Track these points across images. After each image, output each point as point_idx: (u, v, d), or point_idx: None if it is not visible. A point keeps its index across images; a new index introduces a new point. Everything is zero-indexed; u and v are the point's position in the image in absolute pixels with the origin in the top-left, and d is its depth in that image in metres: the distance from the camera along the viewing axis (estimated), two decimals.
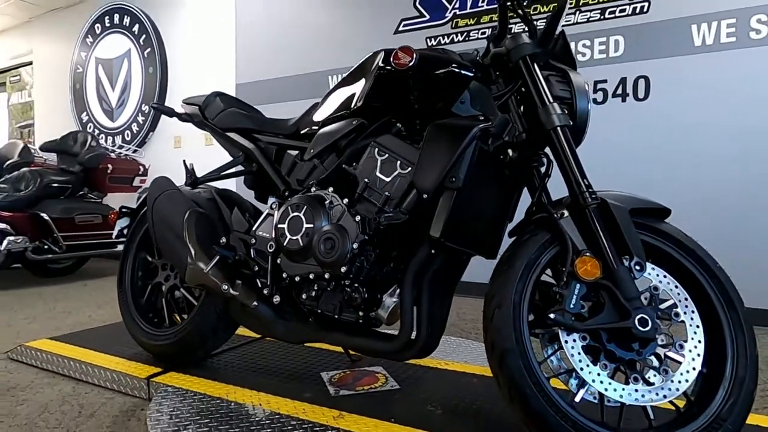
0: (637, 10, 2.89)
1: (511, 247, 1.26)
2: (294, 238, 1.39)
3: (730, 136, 2.66)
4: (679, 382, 1.11)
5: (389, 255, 1.38)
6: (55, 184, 3.97)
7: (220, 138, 1.81)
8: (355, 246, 1.31)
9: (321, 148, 1.50)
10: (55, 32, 5.75)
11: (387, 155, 1.34)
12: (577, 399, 1.13)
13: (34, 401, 1.70)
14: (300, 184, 1.55)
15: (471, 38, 3.38)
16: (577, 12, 3.06)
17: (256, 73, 4.32)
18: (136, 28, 4.96)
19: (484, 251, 1.32)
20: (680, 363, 1.12)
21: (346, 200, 1.37)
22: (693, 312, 1.16)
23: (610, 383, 1.11)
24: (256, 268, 1.54)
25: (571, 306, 1.12)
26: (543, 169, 1.35)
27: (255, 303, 1.50)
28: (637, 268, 1.14)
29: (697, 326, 1.15)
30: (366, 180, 1.35)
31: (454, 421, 1.39)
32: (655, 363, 1.13)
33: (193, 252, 1.57)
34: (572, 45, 3.04)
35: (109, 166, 4.22)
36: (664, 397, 1.10)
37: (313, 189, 1.47)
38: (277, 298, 1.50)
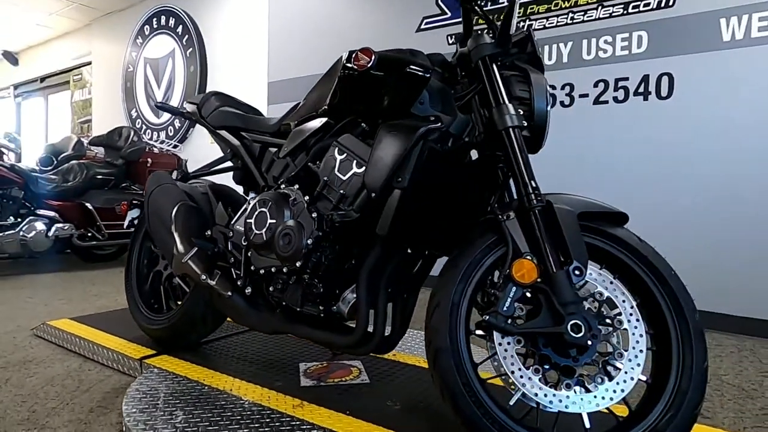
0: (662, 4, 2.75)
1: (458, 247, 1.26)
2: (259, 232, 1.46)
3: (759, 136, 2.50)
4: (614, 391, 1.08)
5: (350, 252, 1.42)
6: (100, 176, 4.26)
7: (212, 135, 1.90)
8: (309, 242, 1.35)
9: (292, 146, 1.55)
10: (110, 34, 6.15)
11: (345, 154, 1.38)
12: (511, 402, 1.12)
13: (43, 374, 1.87)
14: (275, 180, 1.62)
15: None
16: (600, 7, 2.95)
17: (286, 71, 4.45)
18: (180, 29, 5.23)
19: (437, 250, 1.33)
20: (620, 372, 1.10)
21: (307, 197, 1.42)
22: (638, 320, 1.13)
23: (540, 388, 1.09)
24: (232, 260, 1.61)
25: (504, 309, 1.11)
26: (506, 170, 1.34)
27: (229, 293, 1.57)
28: (576, 273, 1.12)
29: (641, 335, 1.12)
30: (325, 178, 1.39)
31: (408, 418, 1.41)
32: (594, 370, 1.11)
33: (177, 242, 1.67)
34: (593, 42, 2.96)
35: (149, 159, 4.49)
36: (597, 405, 1.08)
37: (282, 186, 1.53)
38: (249, 290, 1.57)
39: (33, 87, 7.97)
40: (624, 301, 1.14)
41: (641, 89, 2.82)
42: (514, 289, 1.13)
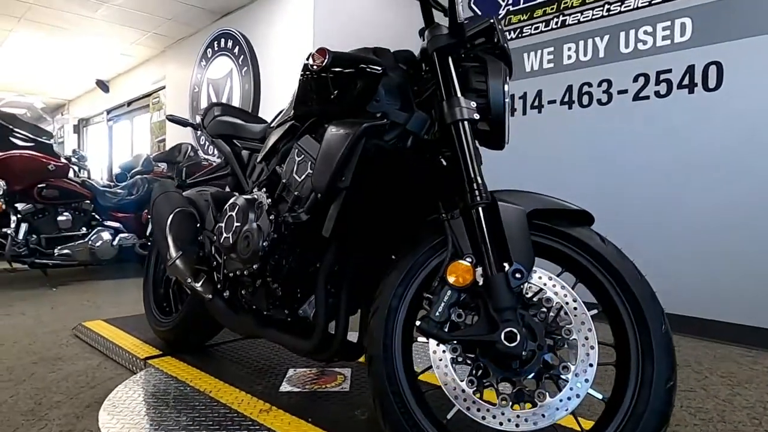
0: None
1: (404, 249, 1.20)
2: (226, 236, 1.48)
3: None
4: (557, 409, 0.96)
5: (310, 255, 1.39)
6: None
7: (212, 144, 1.97)
8: (265, 244, 1.35)
9: (265, 151, 1.56)
10: (180, 59, 6.64)
11: (303, 156, 1.36)
12: (449, 416, 1.04)
13: (65, 371, 2.01)
14: (254, 185, 1.64)
15: (524, 34, 3.19)
16: None
17: None
18: (236, 50, 5.53)
19: (395, 253, 1.27)
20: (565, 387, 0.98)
21: (270, 201, 1.42)
22: (590, 330, 1.00)
23: (474, 402, 1.00)
24: (214, 264, 1.65)
25: (437, 314, 1.03)
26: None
27: (209, 296, 1.61)
28: (517, 275, 1.01)
29: (592, 347, 0.99)
30: (284, 181, 1.38)
31: (368, 428, 1.35)
32: (547, 384, 1.00)
33: (169, 246, 1.73)
34: (632, 33, 2.73)
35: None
36: (534, 424, 0.96)
37: (254, 190, 1.54)
38: (227, 293, 1.59)
39: (121, 111, 8.79)
40: (575, 309, 1.02)
41: (686, 81, 2.56)
42: (449, 292, 1.04)
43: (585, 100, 2.92)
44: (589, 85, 2.89)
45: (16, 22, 5.99)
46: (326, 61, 1.30)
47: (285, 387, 1.64)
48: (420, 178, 1.27)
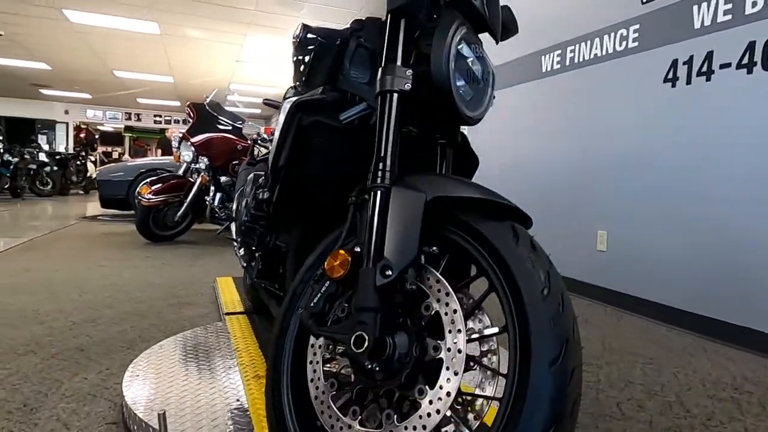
0: None
1: (328, 232, 1.11)
2: (235, 208, 1.59)
3: None
4: (414, 428, 0.79)
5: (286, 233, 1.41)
6: None
7: None
8: (245, 219, 1.41)
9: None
10: None
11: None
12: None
13: (179, 313, 2.45)
14: None
15: None
16: None
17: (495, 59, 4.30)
18: None
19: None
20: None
21: (262, 179, 1.47)
22: (459, 351, 0.79)
23: (328, 407, 0.89)
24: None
25: (312, 304, 0.94)
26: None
27: (244, 264, 1.76)
28: (387, 273, 0.86)
29: (452, 359, 0.79)
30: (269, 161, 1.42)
31: None
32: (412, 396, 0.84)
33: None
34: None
35: None
36: None
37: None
38: (259, 264, 1.72)
39: None
40: (453, 322, 0.82)
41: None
42: (327, 283, 0.95)
43: None
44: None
45: (246, 28, 7.22)
46: (299, 35, 1.29)
47: None
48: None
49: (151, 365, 1.59)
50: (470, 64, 1.08)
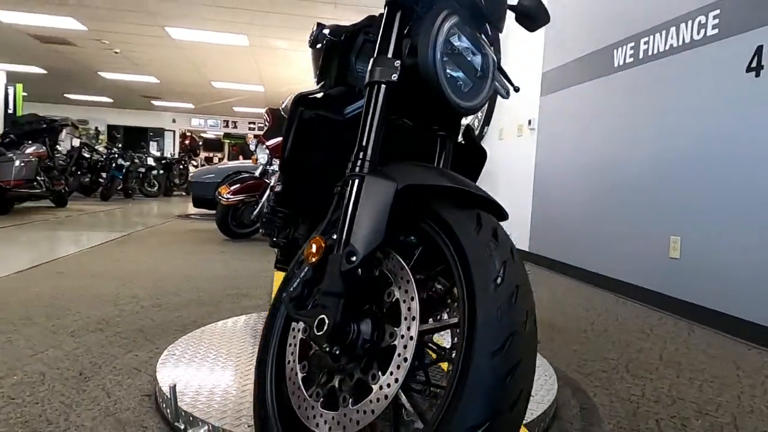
0: None
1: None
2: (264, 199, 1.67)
3: None
4: (365, 412, 0.80)
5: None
6: None
7: None
8: (266, 210, 1.48)
9: None
10: None
11: None
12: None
13: (240, 304, 2.61)
14: None
15: None
16: None
17: (562, 56, 4.13)
18: None
19: None
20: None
21: None
22: (411, 338, 0.78)
23: (299, 397, 0.92)
24: None
25: (291, 288, 0.97)
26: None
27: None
28: (352, 259, 0.86)
29: (404, 347, 0.78)
30: None
31: None
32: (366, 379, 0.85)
33: None
34: None
35: None
36: (344, 429, 0.82)
37: None
38: None
39: None
40: (409, 310, 0.81)
41: None
42: (306, 268, 0.97)
43: None
44: None
45: (333, 9, 7.05)
46: (313, 33, 1.34)
47: None
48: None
49: (189, 346, 1.71)
50: (465, 53, 1.06)
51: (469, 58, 1.07)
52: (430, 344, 0.91)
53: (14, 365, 1.69)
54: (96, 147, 10.60)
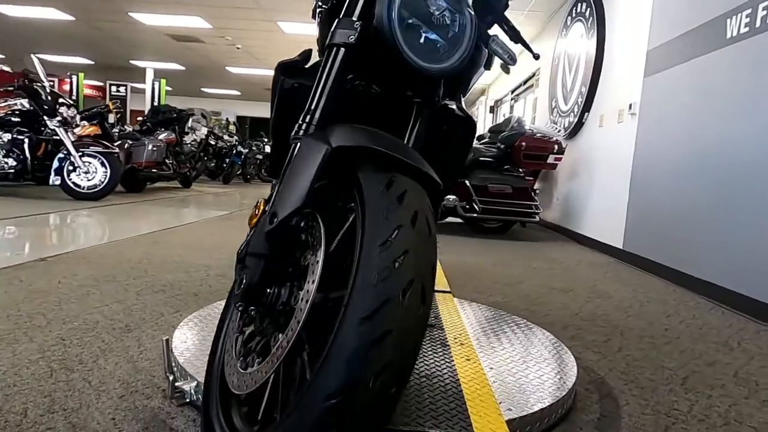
0: None
1: None
2: None
3: None
4: (263, 372, 0.79)
5: None
6: (482, 158, 4.93)
7: None
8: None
9: None
10: (551, 34, 6.64)
11: None
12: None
13: None
14: None
15: None
16: None
17: (671, 31, 3.66)
18: (587, 13, 5.12)
19: None
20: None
21: None
22: (307, 302, 0.75)
23: (227, 355, 0.93)
24: None
25: (240, 250, 0.98)
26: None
27: None
28: (274, 220, 0.85)
29: (300, 310, 0.76)
30: None
31: None
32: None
33: None
34: None
35: (523, 144, 4.77)
36: (247, 387, 0.82)
37: None
38: None
39: (519, 91, 9.51)
40: (312, 273, 0.78)
41: None
42: (251, 232, 0.98)
43: None
44: None
45: None
46: (313, 7, 1.34)
47: None
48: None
49: (211, 314, 1.82)
50: (432, 10, 0.98)
51: (438, 16, 0.99)
52: None
53: (79, 314, 1.93)
54: (221, 136, 11.68)
